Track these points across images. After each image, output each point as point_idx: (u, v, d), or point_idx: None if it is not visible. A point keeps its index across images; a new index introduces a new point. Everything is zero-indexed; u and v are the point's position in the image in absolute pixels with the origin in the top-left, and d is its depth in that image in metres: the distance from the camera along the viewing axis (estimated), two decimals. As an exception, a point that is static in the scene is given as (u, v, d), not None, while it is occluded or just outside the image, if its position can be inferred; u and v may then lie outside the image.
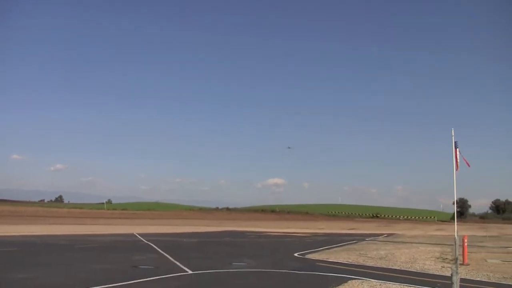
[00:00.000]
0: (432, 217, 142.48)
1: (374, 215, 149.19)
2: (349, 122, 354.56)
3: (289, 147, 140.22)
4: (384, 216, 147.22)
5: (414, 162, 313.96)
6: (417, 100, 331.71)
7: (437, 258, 28.97)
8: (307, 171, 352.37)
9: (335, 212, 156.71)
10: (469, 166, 29.57)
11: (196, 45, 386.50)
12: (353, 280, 19.15)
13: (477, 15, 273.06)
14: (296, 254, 30.35)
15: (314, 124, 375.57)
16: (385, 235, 62.30)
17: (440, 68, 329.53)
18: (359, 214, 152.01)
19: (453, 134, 29.35)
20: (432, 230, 78.06)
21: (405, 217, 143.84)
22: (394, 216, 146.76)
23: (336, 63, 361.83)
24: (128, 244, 37.16)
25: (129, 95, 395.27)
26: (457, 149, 28.82)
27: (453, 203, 44.01)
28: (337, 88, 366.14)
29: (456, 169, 28.55)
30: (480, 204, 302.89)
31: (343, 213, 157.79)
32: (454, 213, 36.68)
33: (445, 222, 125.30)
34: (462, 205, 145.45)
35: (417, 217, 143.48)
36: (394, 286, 18.07)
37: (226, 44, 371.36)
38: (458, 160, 28.52)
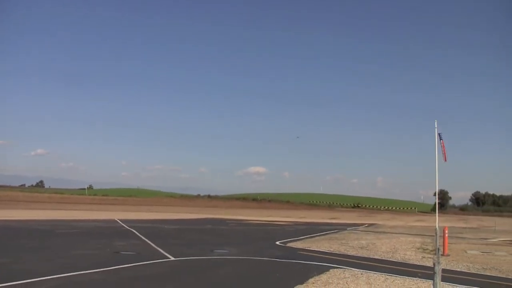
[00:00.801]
0: (413, 208, 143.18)
1: (355, 205, 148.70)
2: (330, 113, 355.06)
3: (298, 137, 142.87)
4: (365, 206, 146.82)
5: (395, 154, 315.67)
6: (401, 92, 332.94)
7: (418, 249, 29.17)
8: (289, 160, 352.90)
9: (316, 202, 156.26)
10: (445, 160, 29.31)
11: (180, 32, 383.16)
12: (335, 269, 19.21)
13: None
14: (277, 243, 30.40)
15: (294, 114, 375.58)
16: (366, 225, 62.43)
17: (423, 61, 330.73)
18: (340, 204, 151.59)
19: (436, 126, 29.55)
20: (412, 221, 78.63)
21: (386, 207, 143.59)
22: (375, 207, 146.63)
23: (318, 53, 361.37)
24: (110, 230, 36.99)
25: (111, 82, 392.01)
26: (442, 140, 28.74)
27: (434, 195, 43.93)
28: (317, 78, 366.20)
29: (444, 160, 28.58)
30: (460, 196, 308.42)
31: (324, 202, 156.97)
32: (435, 204, 38.99)
33: (426, 214, 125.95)
34: (443, 196, 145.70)
35: (398, 208, 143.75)
36: (375, 275, 18.15)
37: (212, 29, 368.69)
38: (446, 151, 28.48)
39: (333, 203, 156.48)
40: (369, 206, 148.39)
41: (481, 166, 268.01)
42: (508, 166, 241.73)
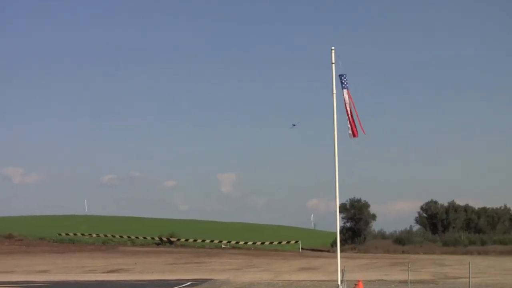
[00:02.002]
0: (293, 242, 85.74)
1: (167, 238, 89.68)
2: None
3: (294, 124, 69.24)
4: (189, 240, 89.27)
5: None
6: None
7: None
8: None
9: (73, 235, 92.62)
10: (356, 135, 20.20)
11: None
12: None
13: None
14: None
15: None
16: (188, 284, 34.01)
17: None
18: (130, 238, 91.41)
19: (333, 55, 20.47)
20: (291, 271, 49.69)
21: (231, 243, 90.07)
22: (215, 241, 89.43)
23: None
24: None
25: None
26: (347, 91, 19.98)
27: (335, 212, 21.87)
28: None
29: (354, 135, 20.13)
30: (397, 211, 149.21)
31: (93, 236, 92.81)
32: (336, 233, 22.34)
33: (322, 252, 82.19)
34: (358, 214, 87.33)
35: (262, 243, 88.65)
36: None
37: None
38: (352, 116, 19.94)
39: (109, 237, 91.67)
40: (210, 240, 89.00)
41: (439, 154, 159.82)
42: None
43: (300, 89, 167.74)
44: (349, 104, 20.47)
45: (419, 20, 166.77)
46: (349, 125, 20.52)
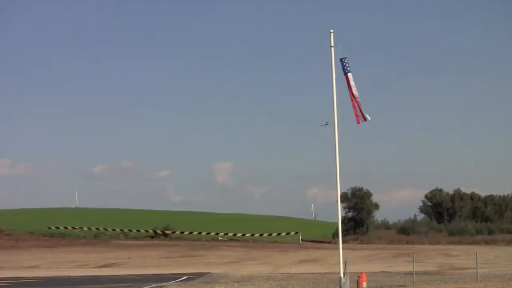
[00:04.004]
0: (293, 233, 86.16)
1: (161, 231, 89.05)
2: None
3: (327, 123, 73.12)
4: (184, 233, 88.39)
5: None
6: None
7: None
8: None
9: (64, 228, 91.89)
10: (365, 119, 20.29)
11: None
12: None
13: None
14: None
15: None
16: (184, 278, 34.69)
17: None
18: (123, 231, 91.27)
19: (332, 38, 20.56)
20: (290, 263, 49.88)
21: (234, 233, 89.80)
22: (206, 234, 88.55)
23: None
24: None
25: None
26: (348, 76, 20.06)
27: (337, 202, 21.87)
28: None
29: (360, 122, 20.39)
30: (400, 199, 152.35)
31: (84, 229, 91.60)
32: (337, 224, 22.38)
33: (323, 243, 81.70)
34: (360, 203, 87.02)
35: (258, 235, 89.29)
36: None
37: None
38: (357, 101, 20.16)
39: (108, 230, 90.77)
40: (206, 232, 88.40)
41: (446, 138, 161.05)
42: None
43: (299, 74, 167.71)
44: (354, 88, 20.42)
45: (421, 2, 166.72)
46: (354, 110, 20.47)
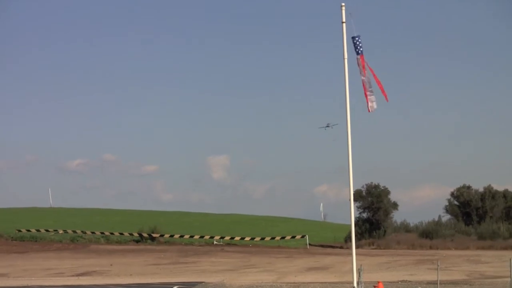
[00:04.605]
0: (300, 236, 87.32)
1: (148, 234, 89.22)
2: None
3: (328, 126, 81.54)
4: (174, 236, 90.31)
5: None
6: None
7: None
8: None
9: (36, 231, 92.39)
10: (387, 99, 21.39)
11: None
12: None
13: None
14: None
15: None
16: None
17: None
18: (104, 235, 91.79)
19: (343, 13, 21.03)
20: (296, 271, 50.37)
21: (225, 239, 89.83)
22: (199, 237, 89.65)
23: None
24: None
25: None
26: (362, 57, 20.64)
27: (349, 201, 22.95)
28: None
29: (372, 110, 21.00)
30: (425, 197, 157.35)
31: (59, 232, 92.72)
32: (350, 226, 22.78)
33: (333, 248, 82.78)
34: (376, 203, 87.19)
35: (259, 238, 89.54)
36: None
37: None
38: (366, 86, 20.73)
39: (84, 233, 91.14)
40: (199, 236, 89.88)
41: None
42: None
43: (307, 54, 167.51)
44: (366, 72, 20.69)
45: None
46: (365, 97, 20.76)
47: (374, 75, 21.07)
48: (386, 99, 21.07)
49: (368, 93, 20.84)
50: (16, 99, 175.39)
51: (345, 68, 21.30)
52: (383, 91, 21.04)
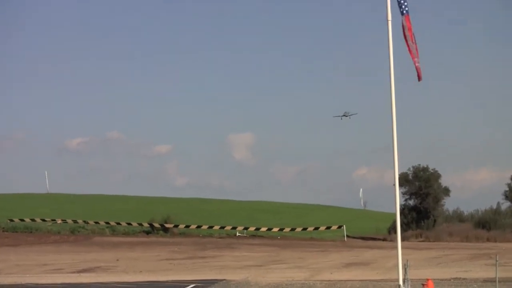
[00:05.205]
0: (336, 227, 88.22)
1: (160, 224, 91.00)
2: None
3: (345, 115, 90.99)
4: (191, 227, 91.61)
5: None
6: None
7: None
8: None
9: (31, 221, 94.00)
10: (420, 79, 21.23)
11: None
12: None
13: None
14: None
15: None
16: (190, 287, 36.62)
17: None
18: (109, 225, 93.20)
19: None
20: (332, 267, 50.64)
21: (249, 230, 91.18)
22: (219, 228, 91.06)
23: None
24: None
25: None
26: (407, 17, 20.68)
27: (394, 186, 22.30)
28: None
29: (419, 79, 21.18)
30: (481, 182, 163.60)
31: (57, 222, 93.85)
32: (395, 215, 23.07)
33: (376, 240, 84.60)
34: (424, 188, 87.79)
35: (289, 229, 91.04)
36: None
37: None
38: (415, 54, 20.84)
39: (86, 223, 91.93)
40: (219, 227, 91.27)
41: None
42: None
43: (346, 17, 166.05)
44: (413, 35, 20.70)
45: None
46: (414, 64, 20.82)
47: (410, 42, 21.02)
48: (419, 76, 21.04)
49: (416, 59, 20.86)
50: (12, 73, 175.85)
51: (388, 32, 21.25)
52: (417, 67, 20.97)
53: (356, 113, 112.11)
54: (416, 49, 20.80)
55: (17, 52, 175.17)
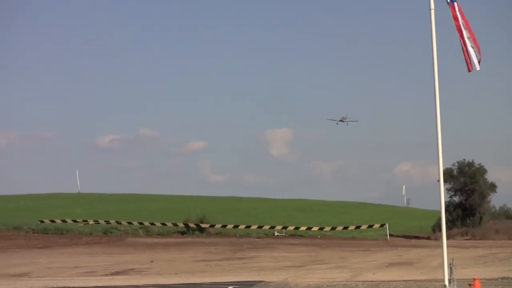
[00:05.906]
0: (379, 225, 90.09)
1: (195, 224, 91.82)
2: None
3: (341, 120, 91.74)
4: (227, 227, 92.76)
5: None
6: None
7: None
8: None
9: (62, 222, 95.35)
10: (470, 70, 20.88)
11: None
12: None
13: None
14: None
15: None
16: None
17: None
18: (142, 226, 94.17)
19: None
20: (375, 267, 50.48)
21: (288, 229, 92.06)
22: (256, 228, 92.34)
23: None
24: None
25: None
26: (456, 5, 20.50)
27: (438, 182, 22.98)
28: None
29: (470, 70, 20.85)
30: None
31: (90, 223, 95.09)
32: (440, 212, 23.18)
33: (419, 239, 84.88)
34: (470, 184, 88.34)
35: (329, 228, 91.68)
36: None
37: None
38: (468, 43, 20.63)
39: (119, 224, 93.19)
40: (257, 226, 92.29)
41: None
42: None
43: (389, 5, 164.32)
44: (462, 25, 20.47)
45: None
46: (463, 54, 20.58)
47: (461, 30, 20.76)
48: (469, 68, 20.79)
49: (470, 48, 20.59)
50: (31, 63, 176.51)
51: (431, 21, 21.11)
52: (479, 51, 20.72)
53: (357, 121, 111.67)
54: (474, 39, 20.54)
55: (47, 52, 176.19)
